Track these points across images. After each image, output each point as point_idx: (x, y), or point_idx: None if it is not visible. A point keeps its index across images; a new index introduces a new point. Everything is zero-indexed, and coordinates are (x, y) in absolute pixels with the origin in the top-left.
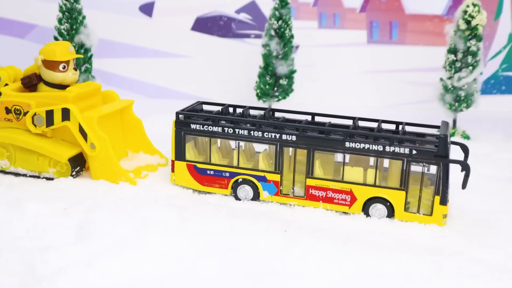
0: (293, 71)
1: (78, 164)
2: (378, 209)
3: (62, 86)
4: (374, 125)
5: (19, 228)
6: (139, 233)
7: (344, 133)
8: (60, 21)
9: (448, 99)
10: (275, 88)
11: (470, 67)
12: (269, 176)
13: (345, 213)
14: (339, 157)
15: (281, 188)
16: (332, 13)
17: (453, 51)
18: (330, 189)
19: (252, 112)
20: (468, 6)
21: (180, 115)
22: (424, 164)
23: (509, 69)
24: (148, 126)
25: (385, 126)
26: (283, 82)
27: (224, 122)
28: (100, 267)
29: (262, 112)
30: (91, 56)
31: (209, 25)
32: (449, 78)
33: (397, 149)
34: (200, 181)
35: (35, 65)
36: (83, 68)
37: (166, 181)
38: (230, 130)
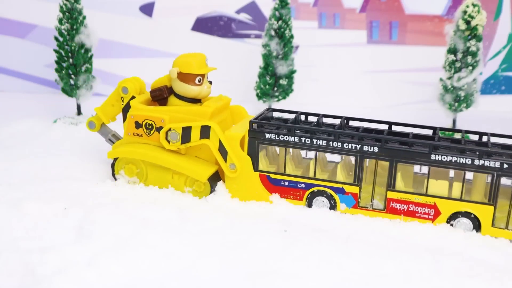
0: (293, 71)
1: (216, 182)
2: (463, 223)
3: (195, 100)
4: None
5: (19, 228)
6: (139, 233)
7: (429, 146)
8: (60, 21)
9: (448, 99)
10: (275, 88)
11: (470, 67)
12: (348, 188)
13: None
14: (417, 168)
15: (359, 201)
16: (332, 13)
17: (453, 51)
18: (412, 203)
19: (325, 120)
20: (467, 6)
21: (253, 124)
22: None
23: (509, 69)
24: None
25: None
26: (283, 82)
27: (300, 131)
28: (100, 267)
29: (337, 121)
30: (91, 56)
31: (209, 25)
32: (449, 78)
33: (486, 163)
34: (272, 192)
35: (165, 77)
36: (83, 68)
37: None
38: (308, 140)
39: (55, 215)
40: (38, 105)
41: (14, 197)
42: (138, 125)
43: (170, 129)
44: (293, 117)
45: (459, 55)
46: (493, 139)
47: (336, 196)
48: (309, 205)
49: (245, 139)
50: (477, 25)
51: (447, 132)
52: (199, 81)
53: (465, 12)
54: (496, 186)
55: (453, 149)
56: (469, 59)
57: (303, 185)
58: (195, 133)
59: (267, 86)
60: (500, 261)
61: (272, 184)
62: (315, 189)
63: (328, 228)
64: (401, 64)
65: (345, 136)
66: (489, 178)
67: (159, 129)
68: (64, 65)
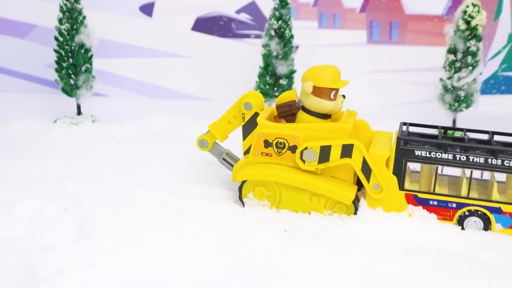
0: (293, 71)
1: (358, 203)
2: None
3: (326, 116)
4: None
5: (18, 228)
6: (139, 233)
7: None
8: (60, 21)
9: (448, 99)
10: (275, 88)
11: (470, 67)
12: (505, 208)
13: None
14: None
15: None
16: (332, 13)
17: (452, 51)
18: None
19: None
20: (467, 6)
21: (401, 141)
22: None
23: (509, 69)
24: (149, 127)
25: None
26: (283, 82)
27: (452, 148)
28: (100, 267)
29: (482, 135)
30: (91, 56)
31: (209, 25)
32: (449, 78)
33: None
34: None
35: (292, 91)
36: (83, 68)
37: (167, 180)
38: (463, 157)
39: (55, 215)
40: (38, 105)
41: (14, 197)
42: (267, 144)
43: (306, 148)
44: (436, 132)
45: (459, 55)
46: None
47: (491, 216)
48: (460, 225)
49: (391, 157)
50: (477, 25)
51: (449, 132)
52: (333, 96)
53: (465, 12)
54: None
55: None
56: (469, 59)
57: (454, 205)
58: (335, 152)
59: (267, 86)
60: (500, 262)
61: (420, 204)
62: (468, 208)
63: (328, 228)
64: (401, 64)
65: (505, 153)
66: None
67: (291, 148)
68: (64, 65)
